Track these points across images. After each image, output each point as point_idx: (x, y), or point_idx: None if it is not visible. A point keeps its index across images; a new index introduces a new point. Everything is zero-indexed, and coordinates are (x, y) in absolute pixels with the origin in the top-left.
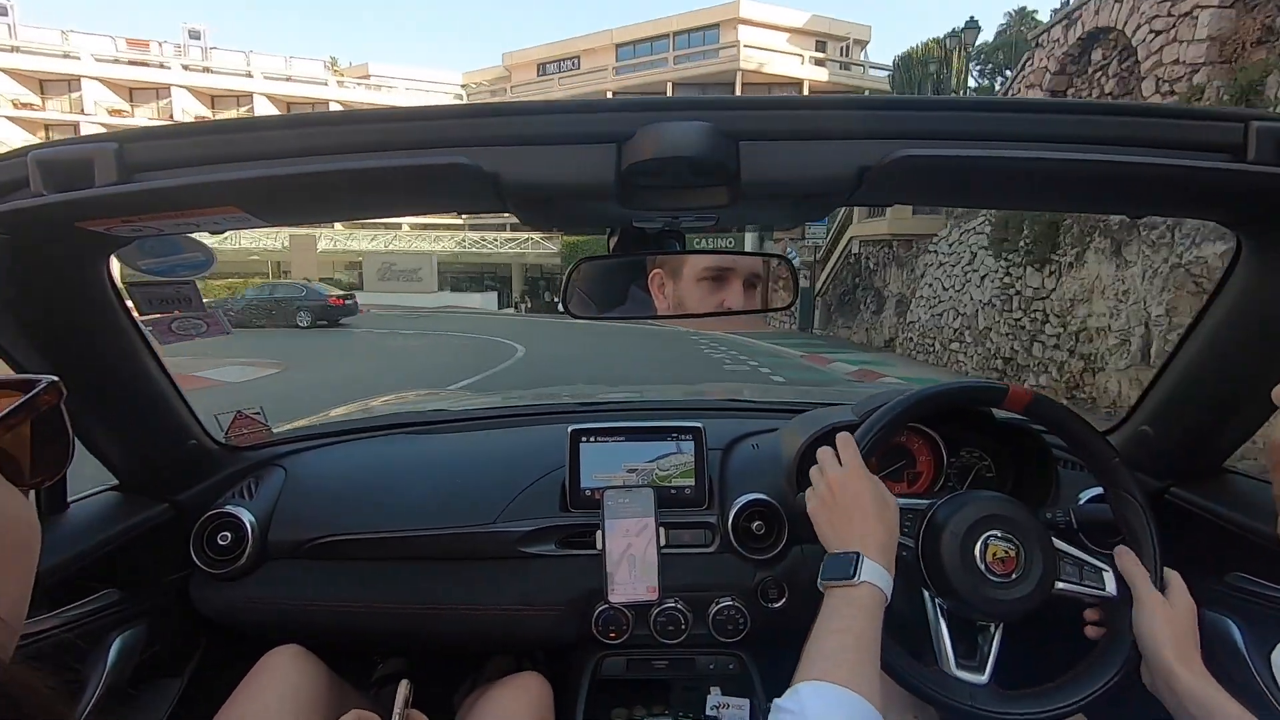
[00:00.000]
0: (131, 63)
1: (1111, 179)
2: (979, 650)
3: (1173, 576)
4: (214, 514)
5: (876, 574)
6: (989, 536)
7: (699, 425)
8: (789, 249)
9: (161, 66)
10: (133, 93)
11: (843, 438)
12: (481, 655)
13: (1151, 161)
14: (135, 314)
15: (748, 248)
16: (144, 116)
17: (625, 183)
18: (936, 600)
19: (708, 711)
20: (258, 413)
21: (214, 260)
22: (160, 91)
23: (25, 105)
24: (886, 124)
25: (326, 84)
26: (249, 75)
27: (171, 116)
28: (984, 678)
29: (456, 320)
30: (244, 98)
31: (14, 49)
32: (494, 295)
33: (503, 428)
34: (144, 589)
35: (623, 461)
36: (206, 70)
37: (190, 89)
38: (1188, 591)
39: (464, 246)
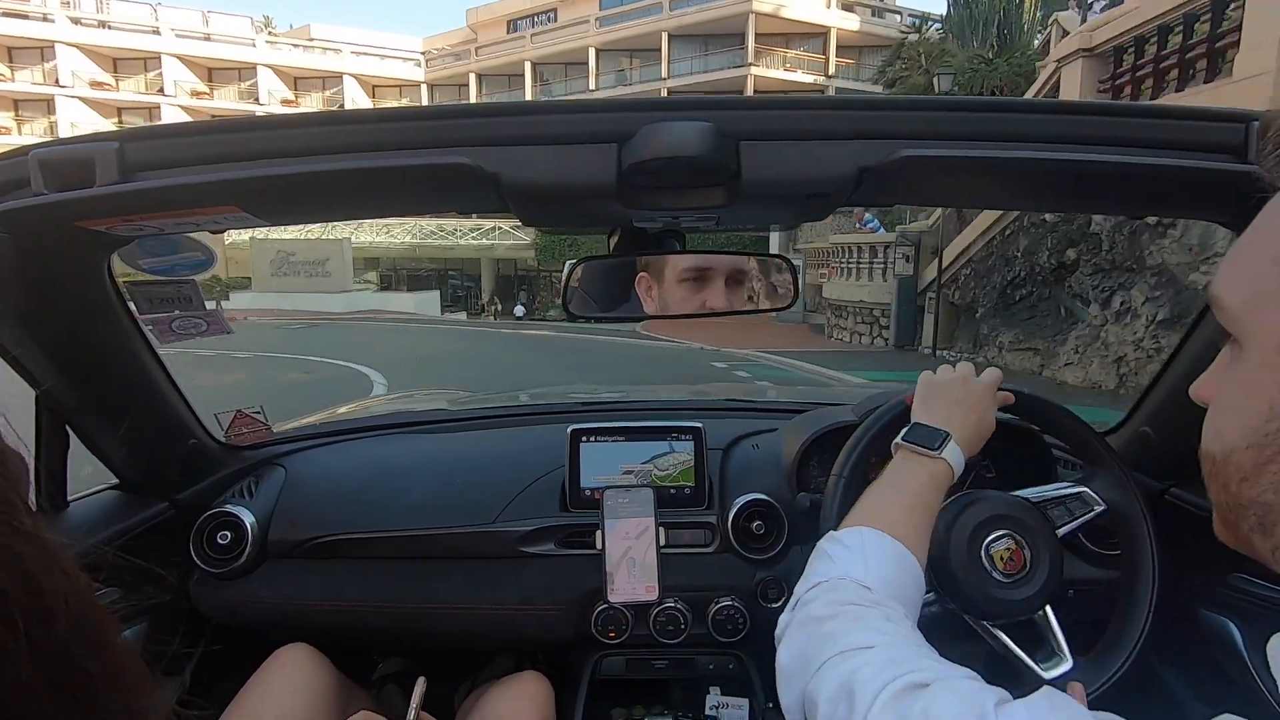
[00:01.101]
0: (6, 14)
1: (1113, 179)
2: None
3: None
4: (214, 513)
5: (956, 455)
6: (996, 536)
7: (699, 425)
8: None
9: (45, 19)
10: (11, 53)
11: (989, 377)
12: (482, 655)
13: (1153, 162)
14: (136, 313)
15: (774, 247)
16: (26, 82)
17: (626, 182)
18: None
19: (707, 711)
20: (258, 412)
21: (215, 259)
22: (45, 51)
23: None
24: (887, 124)
25: (254, 44)
26: (156, 32)
27: (57, 81)
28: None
29: (353, 334)
30: (151, 59)
31: None
32: (433, 295)
33: (503, 427)
34: (144, 588)
35: (622, 461)
36: (103, 26)
37: (81, 47)
38: None
39: (418, 238)
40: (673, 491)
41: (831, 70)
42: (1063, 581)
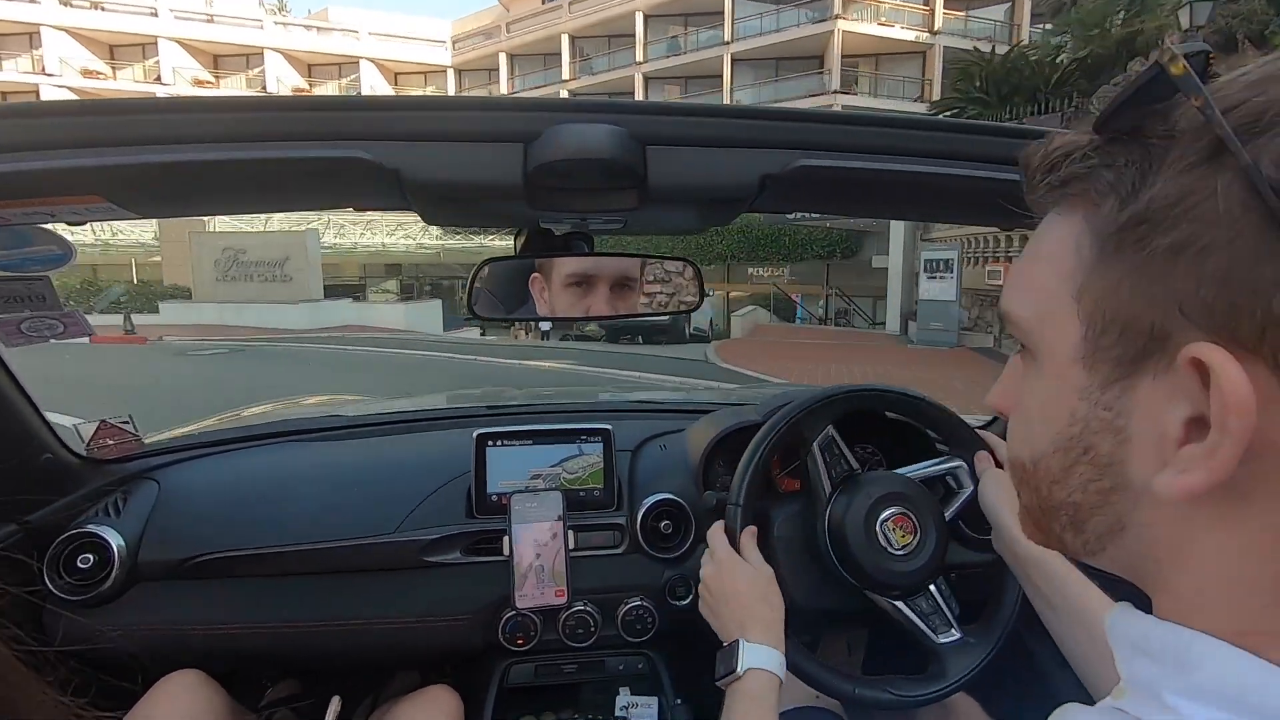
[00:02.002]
0: None
1: (991, 194)
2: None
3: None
4: (72, 534)
5: (760, 656)
6: (889, 513)
7: (608, 427)
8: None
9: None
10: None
11: (712, 532)
12: (383, 672)
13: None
14: None
15: (899, 236)
16: (11, 71)
17: (532, 183)
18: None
19: (617, 712)
20: (126, 421)
21: (73, 254)
22: (33, 37)
23: None
24: (786, 134)
25: (262, 27)
26: (154, 14)
27: (44, 69)
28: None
29: (287, 365)
30: (150, 44)
31: None
32: (433, 306)
33: (404, 433)
34: None
35: (530, 465)
36: (96, 7)
37: (72, 32)
38: None
39: (442, 238)
40: (582, 494)
41: (937, 25)
42: (946, 563)
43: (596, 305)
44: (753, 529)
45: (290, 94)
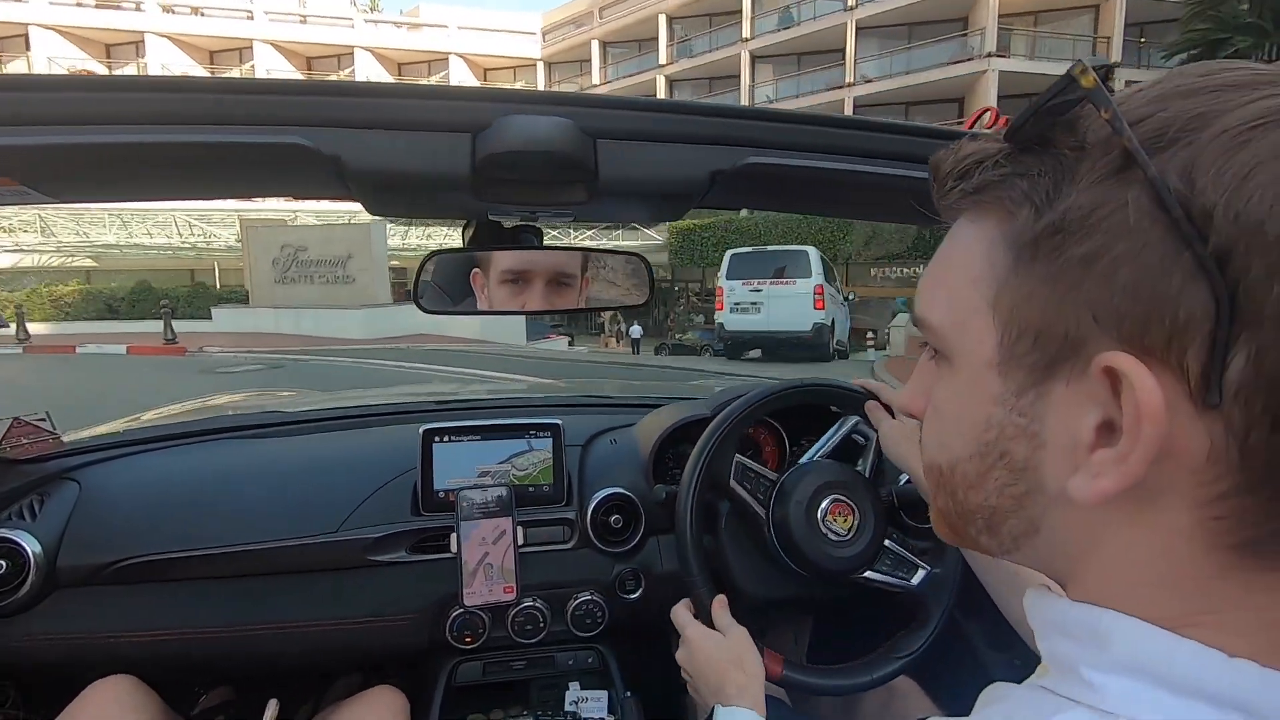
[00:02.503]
0: (100, 5)
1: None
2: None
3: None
4: None
5: (734, 717)
6: (830, 500)
7: (557, 422)
8: None
9: (137, 8)
10: (110, 50)
11: (675, 612)
12: (325, 675)
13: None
14: None
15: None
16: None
17: (480, 174)
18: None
19: (566, 707)
20: (42, 419)
21: None
22: (139, 45)
23: None
24: (736, 131)
25: (353, 25)
26: (250, 16)
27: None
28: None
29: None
30: (246, 48)
31: None
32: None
33: (348, 429)
34: None
35: (479, 462)
36: (196, 13)
37: (173, 38)
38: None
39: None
40: (531, 490)
41: (1115, 56)
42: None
43: (532, 301)
44: (722, 598)
45: (228, 76)
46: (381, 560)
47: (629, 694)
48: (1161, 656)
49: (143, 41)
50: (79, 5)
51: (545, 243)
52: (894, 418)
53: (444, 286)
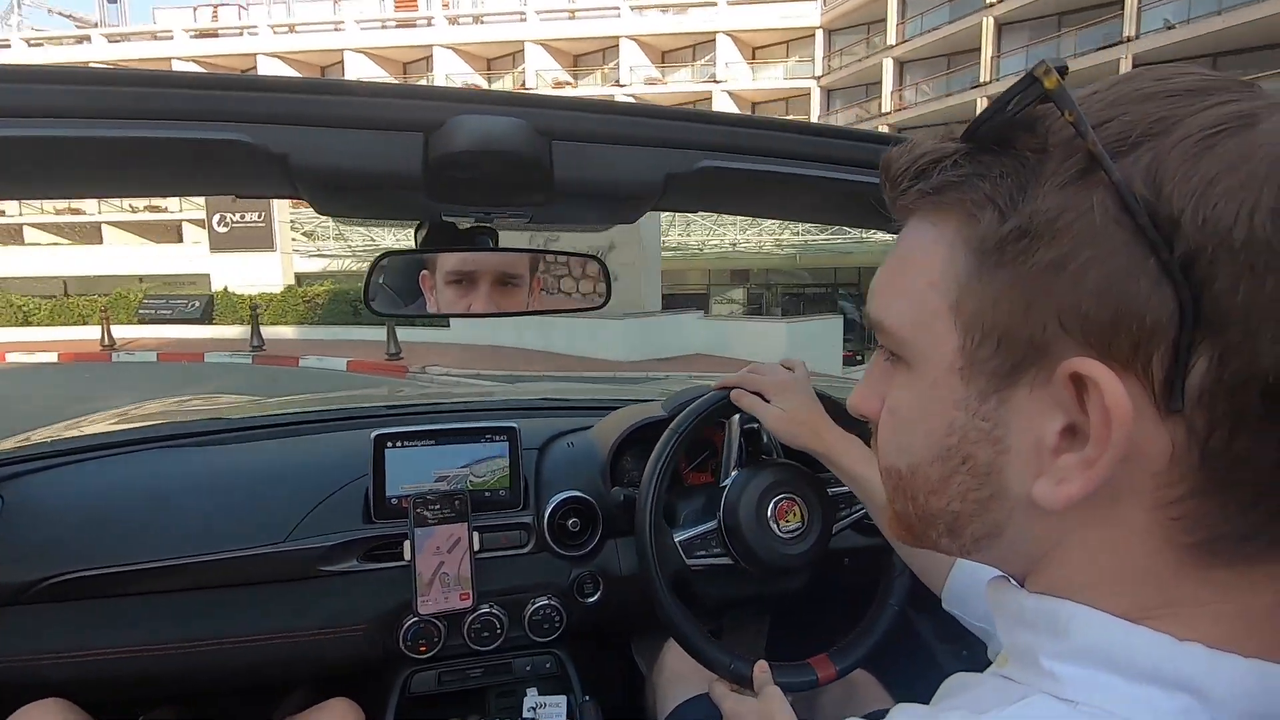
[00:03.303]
0: (400, 25)
1: (867, 198)
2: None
3: (780, 386)
4: None
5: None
6: (778, 499)
7: (514, 425)
8: None
9: (429, 23)
10: (406, 68)
11: (712, 688)
12: (274, 690)
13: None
14: None
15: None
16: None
17: (433, 174)
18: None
19: (525, 714)
20: None
21: None
22: (429, 60)
23: None
24: (690, 135)
25: (619, 14)
26: (522, 17)
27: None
28: None
29: None
30: (519, 52)
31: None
32: (835, 324)
33: (295, 436)
34: None
35: (435, 467)
36: (478, 21)
37: (456, 49)
38: (794, 390)
39: (801, 237)
40: (488, 495)
41: None
42: (830, 545)
43: (478, 303)
44: (763, 663)
45: (168, 70)
46: (332, 570)
47: (588, 698)
48: (1117, 644)
49: (431, 56)
50: (382, 27)
51: (500, 245)
52: (767, 400)
53: (395, 288)
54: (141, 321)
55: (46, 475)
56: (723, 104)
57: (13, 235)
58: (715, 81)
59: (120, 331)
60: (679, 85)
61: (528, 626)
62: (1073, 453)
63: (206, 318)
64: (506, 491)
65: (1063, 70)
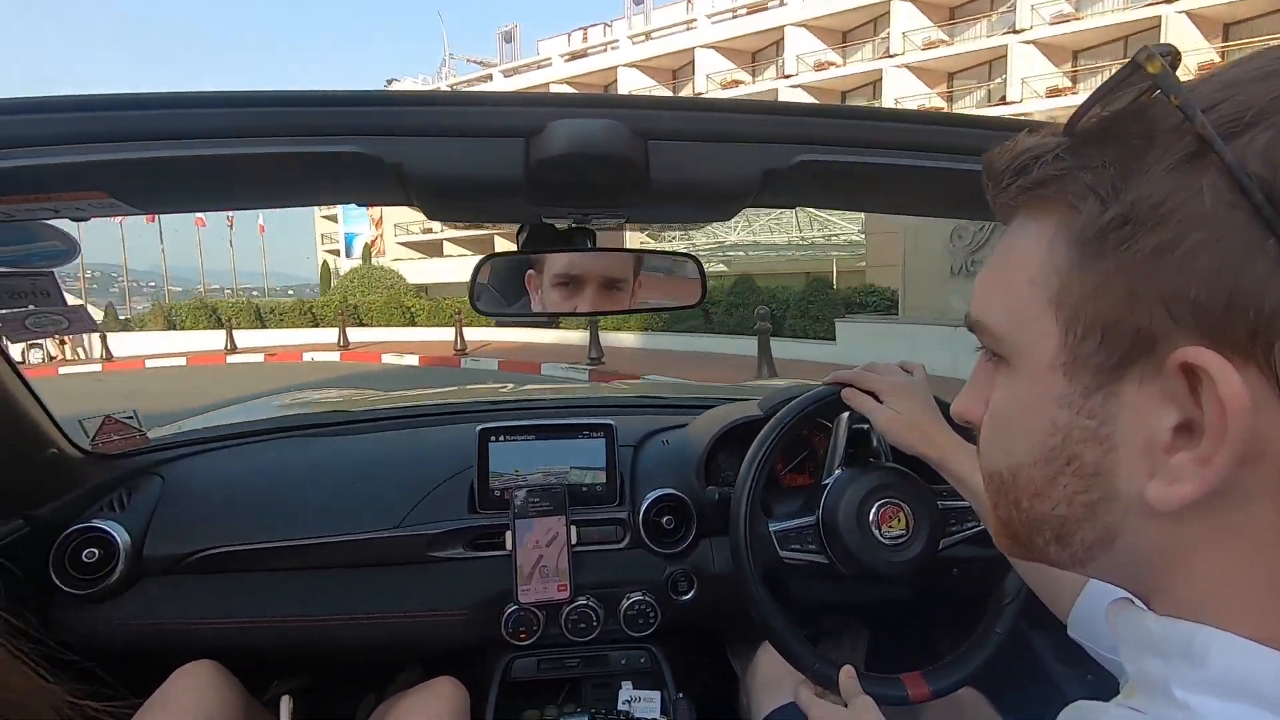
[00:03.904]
0: (751, 10)
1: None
2: None
3: (896, 388)
4: (78, 529)
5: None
6: (880, 504)
7: (610, 423)
8: None
9: (781, 3)
10: (755, 57)
11: (797, 693)
12: (388, 667)
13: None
14: None
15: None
16: (767, 80)
17: (533, 178)
18: None
19: (619, 706)
20: (130, 416)
21: (76, 250)
22: (779, 44)
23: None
24: (788, 129)
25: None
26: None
27: (784, 73)
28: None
29: None
30: (881, 18)
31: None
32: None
33: (408, 428)
34: None
35: (533, 461)
36: None
37: (808, 25)
38: (910, 393)
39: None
40: (584, 489)
41: None
42: (940, 554)
43: (584, 303)
44: (849, 668)
45: (293, 90)
46: (440, 556)
47: (681, 696)
48: (1262, 674)
49: (783, 39)
50: (734, 16)
51: (598, 244)
52: (880, 401)
53: (499, 289)
54: (498, 324)
55: (198, 460)
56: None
57: (435, 249)
58: (1015, 32)
59: (473, 334)
60: (968, 44)
61: (623, 621)
62: (1187, 450)
63: (553, 321)
64: (603, 487)
65: (1170, 55)
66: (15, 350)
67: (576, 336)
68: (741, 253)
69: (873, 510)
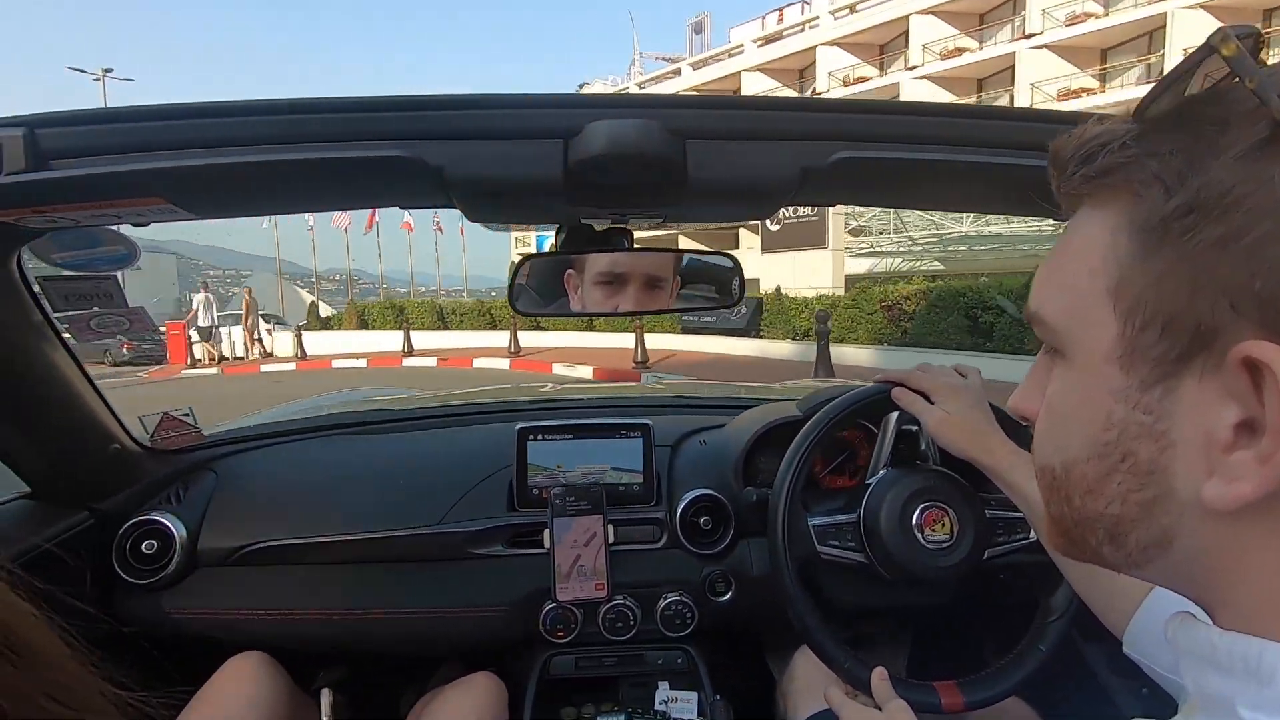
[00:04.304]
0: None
1: (1037, 184)
2: None
3: (950, 390)
4: (138, 521)
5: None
6: (924, 506)
7: (647, 423)
8: None
9: None
10: (883, 48)
11: (828, 694)
12: (428, 661)
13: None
14: (49, 310)
15: None
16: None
17: (572, 179)
18: None
19: (656, 706)
20: (186, 414)
21: (137, 254)
22: (905, 35)
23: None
24: (826, 126)
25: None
26: None
27: (908, 65)
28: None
29: None
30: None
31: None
32: None
33: (448, 427)
34: (62, 606)
35: (571, 460)
36: None
37: (936, 11)
38: (963, 396)
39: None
40: (621, 489)
41: None
42: (986, 559)
43: (625, 302)
44: (881, 670)
45: (338, 96)
46: (479, 553)
47: (718, 697)
48: None
49: (907, 30)
50: (851, 10)
51: (635, 243)
52: (931, 401)
53: (537, 289)
54: (684, 331)
55: (249, 456)
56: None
57: None
58: None
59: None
60: (1124, 15)
61: (660, 621)
62: (1248, 449)
63: (753, 328)
64: (640, 487)
65: (1248, 36)
66: (238, 345)
67: (786, 349)
68: (965, 247)
69: (916, 512)
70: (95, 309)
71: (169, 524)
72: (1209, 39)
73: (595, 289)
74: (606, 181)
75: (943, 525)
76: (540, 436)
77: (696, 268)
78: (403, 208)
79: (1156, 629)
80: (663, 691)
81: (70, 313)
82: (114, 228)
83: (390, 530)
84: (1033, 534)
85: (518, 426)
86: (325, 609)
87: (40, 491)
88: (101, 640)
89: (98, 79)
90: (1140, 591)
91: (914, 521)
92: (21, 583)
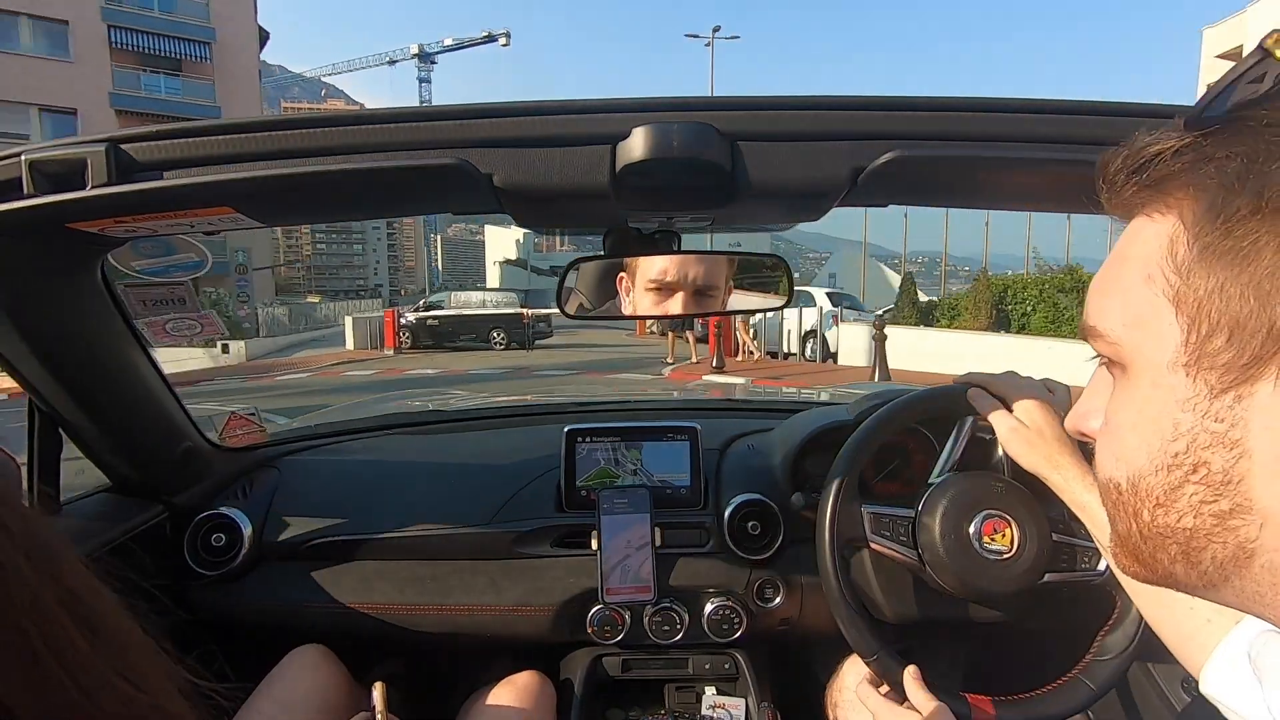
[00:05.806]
0: None
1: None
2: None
3: (1031, 401)
4: (208, 515)
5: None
6: (986, 514)
7: (695, 426)
8: None
9: None
10: None
11: (860, 690)
12: (478, 657)
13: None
14: (129, 315)
15: None
16: None
17: (619, 184)
18: None
19: (703, 712)
20: (252, 414)
21: (209, 261)
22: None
23: None
24: (878, 125)
25: None
26: None
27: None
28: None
29: None
30: None
31: None
32: None
33: (498, 428)
34: (139, 593)
35: (618, 462)
36: None
37: None
38: (1043, 409)
39: None
40: (668, 492)
41: None
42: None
43: (675, 306)
44: (914, 668)
45: (393, 107)
46: (528, 553)
47: (766, 704)
48: None
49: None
50: None
51: (684, 246)
52: (1009, 408)
53: (586, 292)
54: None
55: (310, 454)
56: None
57: None
58: None
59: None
60: None
61: (706, 625)
62: None
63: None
64: (687, 490)
65: None
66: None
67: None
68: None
69: (977, 518)
70: (170, 313)
71: (236, 519)
72: (1262, 42)
73: (646, 294)
74: (654, 185)
75: (1004, 536)
76: (589, 438)
77: (748, 271)
78: (455, 214)
79: (1243, 666)
80: (709, 697)
81: (148, 317)
82: (186, 236)
83: (441, 528)
84: (1101, 565)
85: (566, 428)
86: (380, 603)
87: (120, 486)
88: (168, 630)
89: (708, 44)
90: (1221, 624)
91: (973, 528)
92: (104, 569)
